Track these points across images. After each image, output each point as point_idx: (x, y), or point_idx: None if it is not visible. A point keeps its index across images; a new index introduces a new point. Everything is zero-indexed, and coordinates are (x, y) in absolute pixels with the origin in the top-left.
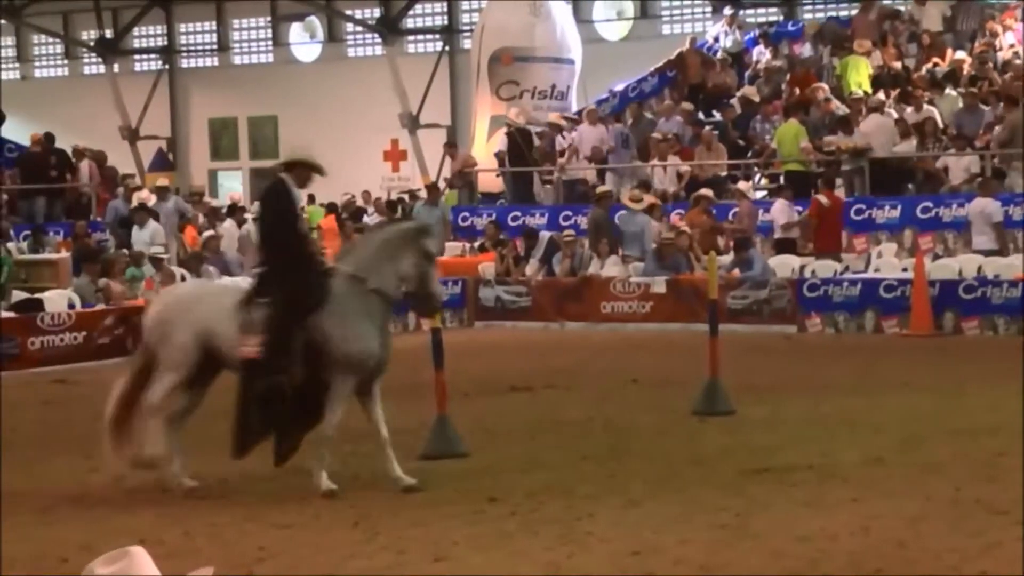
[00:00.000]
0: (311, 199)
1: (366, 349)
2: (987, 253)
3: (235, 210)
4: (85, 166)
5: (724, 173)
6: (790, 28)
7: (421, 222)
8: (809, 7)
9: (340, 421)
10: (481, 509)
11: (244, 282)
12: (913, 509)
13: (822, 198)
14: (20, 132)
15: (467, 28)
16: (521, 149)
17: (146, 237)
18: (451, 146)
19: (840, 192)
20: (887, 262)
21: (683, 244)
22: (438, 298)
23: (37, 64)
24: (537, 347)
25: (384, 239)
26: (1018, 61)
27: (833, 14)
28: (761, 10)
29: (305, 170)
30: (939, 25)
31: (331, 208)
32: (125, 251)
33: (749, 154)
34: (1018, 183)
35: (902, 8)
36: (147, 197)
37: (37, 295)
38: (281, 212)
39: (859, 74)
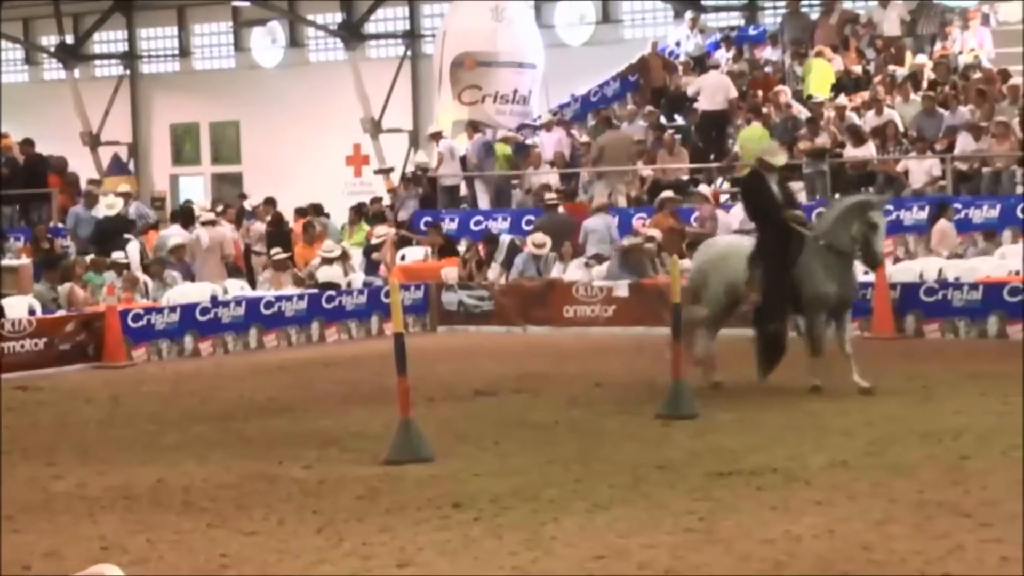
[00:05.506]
0: (270, 202)
1: (824, 290)
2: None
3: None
4: None
5: (686, 177)
6: (751, 32)
7: (867, 198)
8: (771, 11)
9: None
10: (446, 514)
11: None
12: (878, 512)
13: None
14: None
15: (429, 33)
16: None
17: None
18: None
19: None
20: None
21: (651, 251)
22: (879, 255)
23: None
24: (501, 351)
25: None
26: (987, 64)
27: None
28: (723, 14)
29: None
30: (899, 29)
31: (300, 212)
32: (85, 257)
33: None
34: (604, 198)
35: (862, 12)
36: (113, 203)
37: None
38: (765, 195)
39: (820, 78)
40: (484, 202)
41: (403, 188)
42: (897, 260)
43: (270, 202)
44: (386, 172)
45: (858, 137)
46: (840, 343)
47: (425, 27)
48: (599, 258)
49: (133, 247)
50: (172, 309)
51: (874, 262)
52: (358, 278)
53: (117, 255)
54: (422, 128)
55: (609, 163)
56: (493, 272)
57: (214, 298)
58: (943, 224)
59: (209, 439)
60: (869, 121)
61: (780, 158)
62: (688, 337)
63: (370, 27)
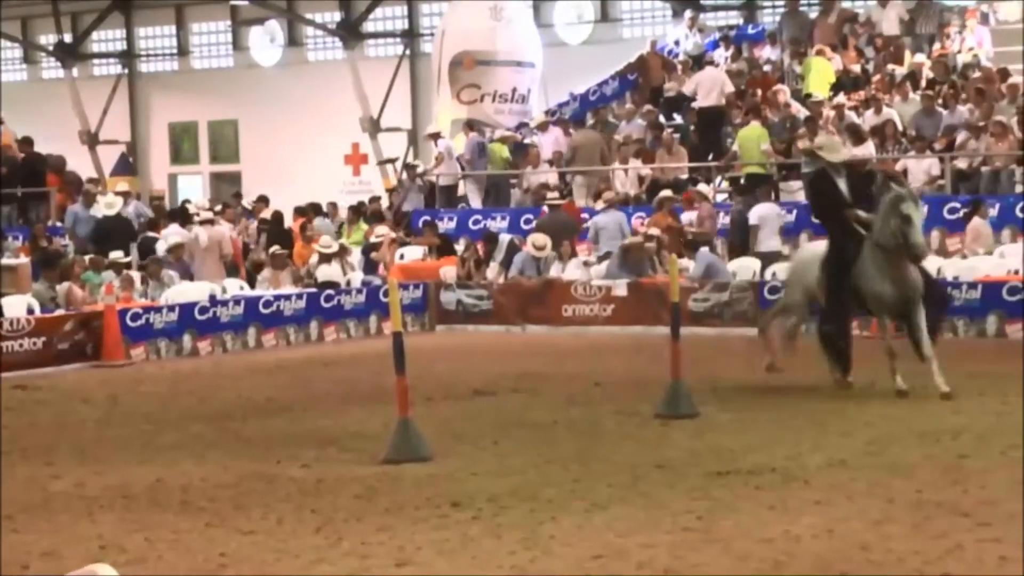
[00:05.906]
0: (263, 199)
1: (878, 290)
2: (771, 256)
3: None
4: None
5: (685, 176)
6: (750, 31)
7: (898, 192)
8: (770, 10)
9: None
10: (445, 514)
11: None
12: (876, 512)
13: None
14: None
15: (428, 32)
16: None
17: None
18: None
19: None
20: None
21: (651, 249)
22: (918, 247)
23: None
24: (499, 351)
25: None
26: (986, 63)
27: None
28: (722, 13)
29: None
30: (898, 28)
31: (301, 211)
32: (84, 256)
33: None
34: (581, 198)
35: (861, 11)
36: (113, 201)
37: None
38: (830, 194)
39: (820, 77)
40: (475, 201)
41: (408, 178)
42: None
43: (263, 200)
44: (390, 162)
45: (857, 136)
46: (915, 346)
47: (424, 26)
48: (610, 256)
49: (160, 245)
50: (171, 308)
51: (915, 256)
52: (357, 277)
53: (116, 254)
54: (421, 127)
55: (582, 163)
56: (492, 271)
57: (213, 297)
58: (977, 222)
59: (207, 439)
60: (868, 120)
61: (839, 154)
62: (781, 338)
63: (369, 26)
